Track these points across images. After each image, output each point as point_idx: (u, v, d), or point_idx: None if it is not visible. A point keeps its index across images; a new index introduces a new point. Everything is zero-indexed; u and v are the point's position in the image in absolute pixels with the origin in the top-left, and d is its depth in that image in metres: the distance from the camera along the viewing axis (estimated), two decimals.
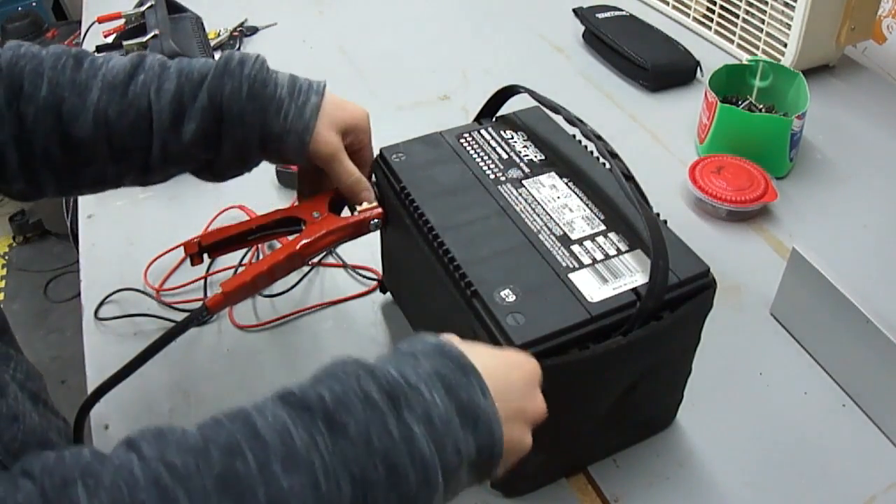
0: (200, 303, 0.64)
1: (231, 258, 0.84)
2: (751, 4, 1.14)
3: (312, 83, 0.64)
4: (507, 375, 0.46)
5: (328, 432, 0.39)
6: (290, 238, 0.66)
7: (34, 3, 2.31)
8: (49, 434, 0.60)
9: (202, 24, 1.10)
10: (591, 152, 0.68)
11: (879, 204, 0.94)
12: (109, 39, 1.07)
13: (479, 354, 0.45)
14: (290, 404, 0.40)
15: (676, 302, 0.56)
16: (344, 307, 0.82)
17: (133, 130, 0.60)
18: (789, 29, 1.08)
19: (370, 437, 0.39)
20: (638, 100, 1.14)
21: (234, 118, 0.61)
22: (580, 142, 0.70)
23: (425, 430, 0.40)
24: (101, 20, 1.11)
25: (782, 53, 1.11)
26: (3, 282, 2.17)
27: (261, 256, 0.85)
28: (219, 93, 0.60)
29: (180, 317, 0.79)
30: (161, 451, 0.38)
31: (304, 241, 0.64)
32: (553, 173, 0.67)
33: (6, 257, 2.23)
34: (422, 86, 1.17)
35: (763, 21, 1.12)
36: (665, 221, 0.61)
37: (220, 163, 0.64)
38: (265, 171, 0.96)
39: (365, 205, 0.68)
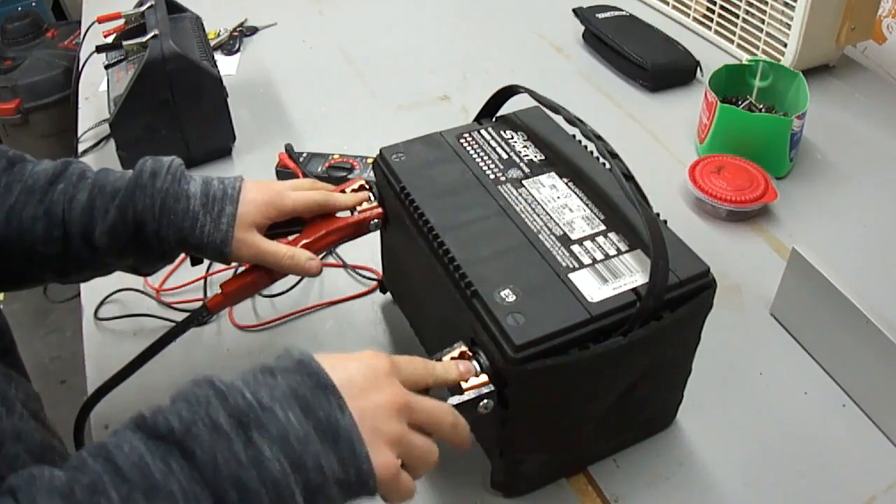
0: (200, 303, 0.64)
1: None
2: (751, 4, 1.14)
3: (227, 187, 0.63)
4: (366, 391, 0.45)
5: (182, 459, 0.40)
6: (290, 238, 0.66)
7: (34, 3, 2.30)
8: (45, 453, 0.60)
9: (202, 24, 1.10)
10: (591, 152, 0.68)
11: (879, 204, 0.94)
12: (109, 39, 1.07)
13: (343, 368, 0.45)
14: (145, 432, 0.41)
15: (676, 302, 0.56)
16: (344, 307, 0.82)
17: (46, 237, 0.60)
18: (789, 29, 1.08)
19: (217, 463, 0.40)
20: (638, 100, 1.14)
21: (150, 234, 0.60)
22: (580, 142, 0.70)
23: (280, 450, 0.41)
24: (100, 20, 1.11)
25: (782, 53, 1.11)
26: None
27: None
28: (130, 208, 0.60)
29: (180, 317, 0.79)
30: (32, 498, 0.39)
31: (304, 241, 0.64)
32: (553, 173, 0.67)
33: None
34: (422, 86, 1.17)
35: (763, 21, 1.12)
36: (665, 221, 0.61)
37: (143, 267, 0.64)
38: (265, 171, 0.96)
39: (365, 205, 0.68)
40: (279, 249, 0.63)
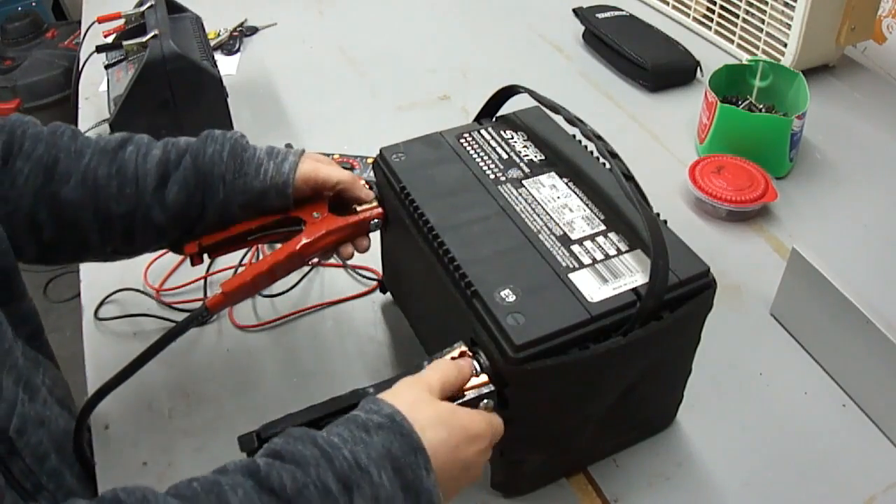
0: (200, 303, 0.64)
1: (231, 258, 0.84)
2: (751, 4, 1.14)
3: (291, 149, 0.68)
4: (455, 452, 0.49)
5: None
6: (291, 238, 0.66)
7: (34, 3, 2.30)
8: (69, 441, 0.61)
9: (202, 24, 1.10)
10: (591, 152, 0.68)
11: (879, 204, 0.94)
12: (109, 39, 1.07)
13: (432, 426, 0.48)
14: (258, 482, 0.43)
15: (676, 302, 0.56)
16: (344, 307, 0.82)
17: (119, 195, 0.63)
18: (789, 29, 1.08)
19: None
20: (638, 100, 1.14)
21: (216, 178, 0.64)
22: (580, 142, 0.70)
23: None
24: (101, 20, 1.11)
25: (782, 53, 1.11)
26: None
27: (261, 256, 0.85)
28: (201, 154, 0.64)
29: (180, 317, 0.79)
30: None
31: (304, 241, 0.64)
32: (553, 173, 0.67)
33: None
34: (422, 86, 1.17)
35: (763, 21, 1.13)
36: (665, 221, 0.61)
37: (201, 228, 0.66)
38: None
39: (365, 205, 0.68)
40: (339, 169, 0.68)
